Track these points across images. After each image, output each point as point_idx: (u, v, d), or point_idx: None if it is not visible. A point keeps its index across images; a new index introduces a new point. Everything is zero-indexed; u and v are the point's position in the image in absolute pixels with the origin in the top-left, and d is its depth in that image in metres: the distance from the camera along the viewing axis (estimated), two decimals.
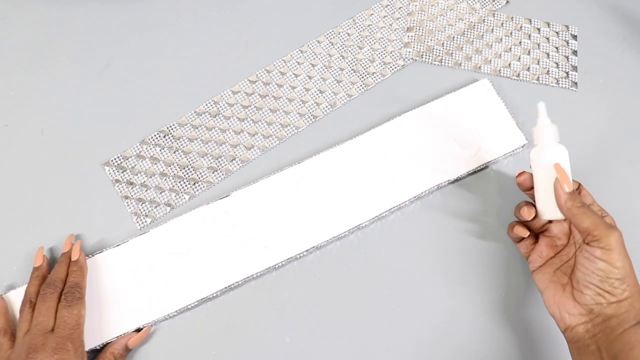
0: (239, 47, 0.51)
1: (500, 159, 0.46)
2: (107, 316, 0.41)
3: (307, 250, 0.43)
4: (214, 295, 0.42)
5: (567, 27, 0.52)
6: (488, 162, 0.46)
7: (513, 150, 0.46)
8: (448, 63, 0.50)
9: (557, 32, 0.52)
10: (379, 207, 0.44)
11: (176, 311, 0.41)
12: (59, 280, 0.39)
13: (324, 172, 0.45)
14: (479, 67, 0.50)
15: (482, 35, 0.52)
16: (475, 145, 0.46)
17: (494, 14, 0.53)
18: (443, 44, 0.51)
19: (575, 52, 0.51)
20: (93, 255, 0.42)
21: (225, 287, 0.42)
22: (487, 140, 0.46)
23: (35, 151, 0.47)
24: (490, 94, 0.48)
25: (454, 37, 0.52)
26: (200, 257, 0.42)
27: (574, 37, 0.52)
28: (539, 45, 0.51)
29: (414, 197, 0.44)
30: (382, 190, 0.44)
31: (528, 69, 0.50)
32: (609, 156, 0.47)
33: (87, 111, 0.49)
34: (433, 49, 0.51)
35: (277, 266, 0.42)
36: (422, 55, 0.51)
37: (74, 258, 0.41)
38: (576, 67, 0.50)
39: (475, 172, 0.46)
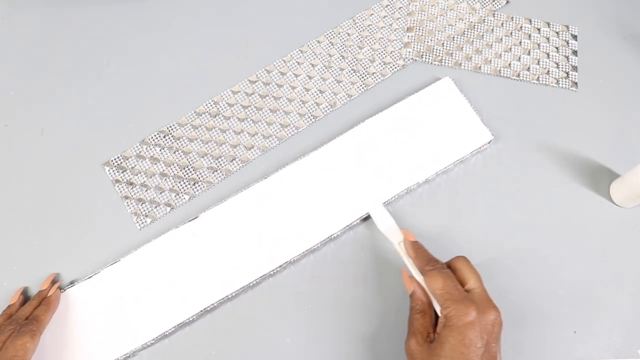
0: (239, 47, 0.51)
1: (467, 157, 0.46)
2: (81, 350, 0.40)
3: (280, 266, 0.42)
4: (191, 319, 0.41)
5: (567, 27, 0.52)
6: (455, 161, 0.45)
7: (480, 147, 0.46)
8: (448, 63, 0.50)
9: (557, 32, 0.52)
10: (348, 217, 0.43)
11: (153, 339, 0.40)
12: (23, 317, 0.38)
13: (292, 185, 0.44)
14: (479, 67, 0.50)
15: (482, 35, 0.52)
16: (441, 145, 0.46)
17: (494, 14, 0.53)
18: (443, 44, 0.51)
19: (575, 52, 0.51)
20: (65, 290, 0.41)
21: (202, 310, 0.41)
22: (453, 139, 0.46)
23: (35, 151, 0.47)
24: (453, 92, 0.48)
25: (454, 37, 0.52)
26: (173, 282, 0.42)
27: (574, 37, 0.52)
28: (539, 45, 0.51)
29: (384, 203, 0.44)
30: (350, 199, 0.44)
31: (528, 69, 0.50)
32: (609, 156, 0.47)
33: (87, 111, 0.49)
34: (433, 49, 0.51)
35: (251, 284, 0.42)
36: (422, 55, 0.51)
37: (48, 294, 0.40)
38: (576, 67, 0.50)
39: (444, 172, 0.46)
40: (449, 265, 0.37)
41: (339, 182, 0.45)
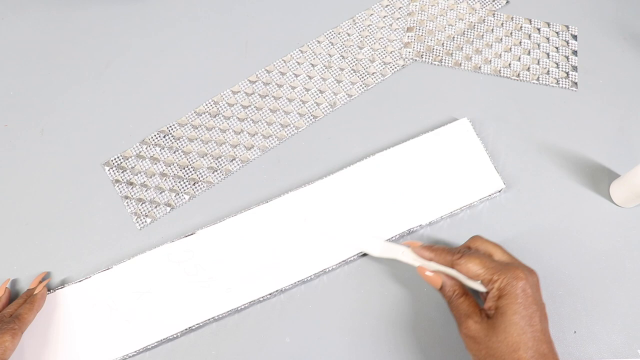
0: (239, 47, 0.51)
1: (476, 204, 0.44)
2: (63, 353, 0.40)
3: (270, 294, 0.41)
4: (174, 336, 0.40)
5: (567, 27, 0.52)
6: (463, 207, 0.44)
7: (489, 195, 0.44)
8: (448, 63, 0.50)
9: (557, 32, 0.52)
10: (345, 253, 0.42)
11: (135, 351, 0.40)
12: (8, 315, 0.38)
13: (291, 213, 0.43)
14: (479, 67, 0.50)
15: (482, 35, 0.52)
16: (450, 188, 0.44)
17: (494, 14, 0.53)
18: (443, 44, 0.51)
19: (575, 52, 0.51)
20: (54, 291, 0.41)
21: (186, 329, 0.40)
22: (463, 183, 0.44)
23: (35, 151, 0.47)
24: (469, 134, 0.46)
25: (454, 37, 0.52)
26: (162, 297, 0.41)
27: (574, 37, 0.52)
28: (539, 45, 0.51)
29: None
30: (349, 236, 0.43)
31: (528, 69, 0.50)
32: (609, 156, 0.47)
33: (87, 111, 0.49)
34: (433, 49, 0.51)
35: (239, 308, 0.41)
36: (422, 55, 0.51)
37: (34, 292, 0.40)
38: (576, 67, 0.50)
39: (449, 216, 0.44)
40: (469, 248, 0.38)
41: (340, 215, 0.43)
